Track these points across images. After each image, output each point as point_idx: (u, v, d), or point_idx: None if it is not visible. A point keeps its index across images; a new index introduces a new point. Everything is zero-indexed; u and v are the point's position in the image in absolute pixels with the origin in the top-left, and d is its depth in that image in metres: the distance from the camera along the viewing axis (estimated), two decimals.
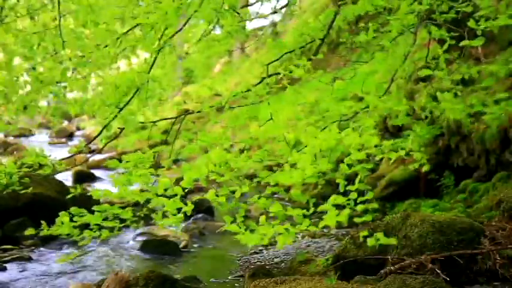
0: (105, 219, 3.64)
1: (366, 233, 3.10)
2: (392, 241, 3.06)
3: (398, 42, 4.52)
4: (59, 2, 4.11)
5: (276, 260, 6.11)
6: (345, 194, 3.00)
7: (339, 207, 2.89)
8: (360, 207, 2.89)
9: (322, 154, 2.97)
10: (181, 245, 6.93)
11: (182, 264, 6.29)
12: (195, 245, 7.16)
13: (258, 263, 6.03)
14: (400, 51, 4.36)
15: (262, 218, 3.08)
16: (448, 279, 3.54)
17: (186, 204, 3.54)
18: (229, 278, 5.60)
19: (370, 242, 3.01)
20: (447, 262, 3.75)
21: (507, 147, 6.04)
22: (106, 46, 4.06)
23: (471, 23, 3.40)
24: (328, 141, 2.87)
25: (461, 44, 3.33)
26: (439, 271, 3.62)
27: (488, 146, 6.30)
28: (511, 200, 4.52)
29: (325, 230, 7.50)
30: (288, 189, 3.16)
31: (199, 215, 8.67)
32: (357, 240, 4.51)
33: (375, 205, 2.91)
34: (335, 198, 2.86)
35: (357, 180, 2.93)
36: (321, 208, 2.94)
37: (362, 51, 10.58)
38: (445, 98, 2.97)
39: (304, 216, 3.02)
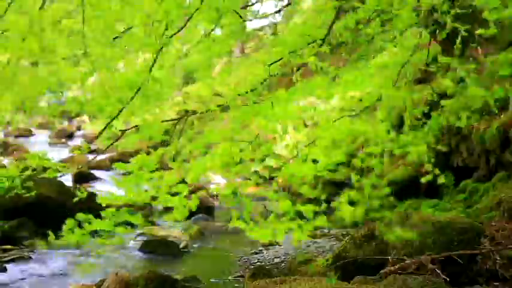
0: (116, 225, 3.60)
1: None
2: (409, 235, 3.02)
3: (407, 35, 4.50)
4: (83, 9, 4.10)
5: (276, 260, 6.11)
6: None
7: (352, 203, 2.86)
8: (375, 203, 2.86)
9: (336, 145, 2.96)
10: (181, 245, 6.93)
11: (182, 264, 6.30)
12: (195, 245, 7.16)
13: (258, 263, 6.03)
14: (408, 44, 4.35)
15: (272, 216, 3.06)
16: (448, 279, 3.54)
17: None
18: (229, 278, 5.60)
19: (387, 236, 2.97)
20: (447, 262, 3.75)
21: (507, 147, 6.05)
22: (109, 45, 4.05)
23: (485, 14, 3.41)
24: (341, 131, 2.85)
25: (477, 32, 3.35)
26: (439, 271, 3.62)
27: (488, 146, 6.31)
28: (511, 200, 4.52)
29: (325, 230, 7.51)
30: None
31: (199, 215, 8.67)
32: (357, 240, 4.52)
33: (391, 199, 2.91)
34: (348, 194, 2.83)
35: (372, 175, 2.91)
36: (334, 204, 2.91)
37: (362, 52, 10.57)
38: (469, 84, 2.99)
39: (316, 212, 3.00)
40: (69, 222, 3.52)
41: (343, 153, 2.93)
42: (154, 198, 3.53)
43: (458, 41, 3.77)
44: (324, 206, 2.98)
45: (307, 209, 2.93)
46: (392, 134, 2.91)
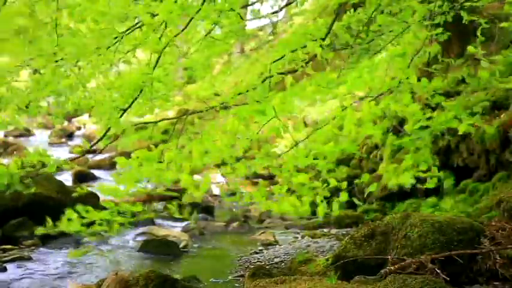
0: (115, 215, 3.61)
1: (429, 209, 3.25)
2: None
3: (416, 28, 4.51)
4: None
5: (276, 260, 6.11)
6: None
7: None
8: (422, 174, 2.94)
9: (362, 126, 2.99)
10: (181, 245, 6.93)
11: (182, 264, 6.30)
12: (195, 245, 7.16)
13: (258, 263, 6.03)
14: (421, 35, 4.36)
15: (284, 189, 3.07)
16: (448, 279, 3.54)
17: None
18: (229, 278, 5.60)
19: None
20: (447, 262, 3.75)
21: (507, 147, 6.05)
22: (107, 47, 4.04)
23: (505, 7, 3.43)
24: (370, 110, 2.87)
25: (501, 25, 3.40)
26: (439, 271, 3.62)
27: (488, 146, 6.31)
28: (511, 200, 4.52)
29: (325, 230, 7.51)
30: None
31: (199, 215, 8.66)
32: (357, 240, 4.52)
33: (440, 174, 2.98)
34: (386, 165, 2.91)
35: (411, 151, 2.97)
36: (379, 171, 2.98)
37: (362, 52, 10.54)
38: (484, 76, 3.06)
39: (341, 189, 3.02)
40: (68, 212, 3.53)
41: (377, 128, 2.97)
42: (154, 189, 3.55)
43: (479, 35, 3.77)
44: (344, 183, 3.00)
45: (325, 185, 2.94)
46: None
